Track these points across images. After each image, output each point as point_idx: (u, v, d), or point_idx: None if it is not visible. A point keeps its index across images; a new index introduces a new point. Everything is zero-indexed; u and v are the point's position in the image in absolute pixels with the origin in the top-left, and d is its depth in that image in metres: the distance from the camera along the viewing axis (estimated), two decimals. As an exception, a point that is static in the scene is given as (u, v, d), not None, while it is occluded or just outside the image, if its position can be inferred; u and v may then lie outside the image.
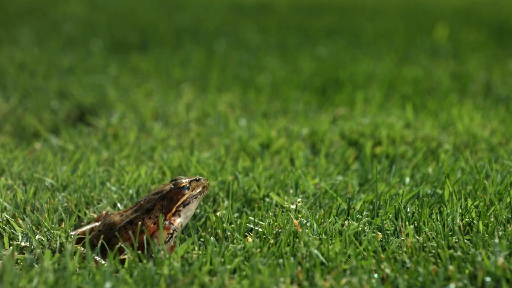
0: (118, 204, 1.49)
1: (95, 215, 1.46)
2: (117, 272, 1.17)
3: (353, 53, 3.49)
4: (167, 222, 1.29)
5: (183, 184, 1.31)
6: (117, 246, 1.23)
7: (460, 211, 1.37)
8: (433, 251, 1.20)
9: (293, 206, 1.41)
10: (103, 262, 1.21)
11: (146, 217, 1.29)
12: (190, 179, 1.33)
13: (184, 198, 1.31)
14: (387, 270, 1.14)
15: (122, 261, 1.24)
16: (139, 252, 1.25)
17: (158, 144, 1.95)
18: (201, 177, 1.35)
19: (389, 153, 1.91)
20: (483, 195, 1.47)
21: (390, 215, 1.36)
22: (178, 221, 1.30)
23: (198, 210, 1.48)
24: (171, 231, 1.28)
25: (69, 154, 1.85)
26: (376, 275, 1.14)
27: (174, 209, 1.30)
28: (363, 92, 2.63)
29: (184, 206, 1.31)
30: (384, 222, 1.31)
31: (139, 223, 1.27)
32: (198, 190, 1.33)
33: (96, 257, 1.22)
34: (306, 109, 2.43)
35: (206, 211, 1.45)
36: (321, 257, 1.18)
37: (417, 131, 2.08)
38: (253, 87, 2.74)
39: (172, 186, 1.31)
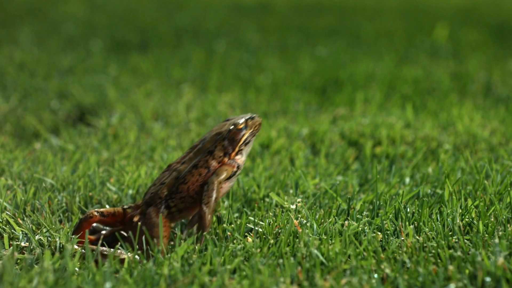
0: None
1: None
2: (117, 272, 1.17)
3: (353, 53, 3.49)
4: (231, 161, 1.33)
5: (242, 125, 1.35)
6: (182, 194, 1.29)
7: (460, 211, 1.37)
8: (433, 251, 1.20)
9: (293, 206, 1.41)
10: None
11: (210, 158, 1.32)
12: (245, 118, 1.37)
13: (245, 137, 1.35)
14: (387, 270, 1.14)
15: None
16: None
17: (158, 144, 1.95)
18: (254, 115, 1.38)
19: (389, 153, 1.91)
20: (483, 195, 1.47)
21: (390, 215, 1.36)
22: (242, 159, 1.35)
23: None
24: (236, 169, 1.33)
25: (69, 154, 1.85)
26: (376, 275, 1.14)
27: (237, 149, 1.34)
28: (363, 92, 2.63)
29: (245, 145, 1.36)
30: (384, 222, 1.31)
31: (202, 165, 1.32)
32: (255, 128, 1.37)
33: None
34: (306, 109, 2.43)
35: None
36: (321, 257, 1.18)
37: (417, 131, 2.08)
38: (253, 87, 2.74)
39: (232, 127, 1.34)
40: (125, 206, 1.35)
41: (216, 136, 1.34)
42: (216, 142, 1.33)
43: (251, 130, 1.36)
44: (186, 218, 1.35)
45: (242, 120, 1.35)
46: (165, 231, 1.26)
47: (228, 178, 1.32)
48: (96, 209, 1.33)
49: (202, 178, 1.31)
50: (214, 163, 1.32)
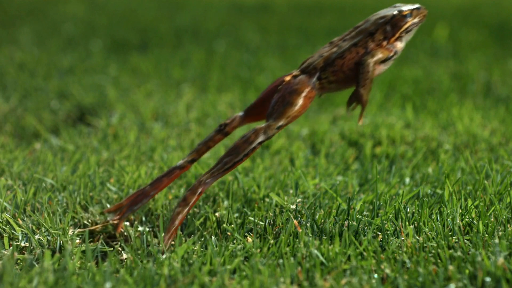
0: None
1: (93, 215, 1.46)
2: (117, 272, 1.17)
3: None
4: (390, 46, 1.34)
5: (406, 12, 1.35)
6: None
7: (460, 211, 1.37)
8: (433, 251, 1.20)
9: (293, 206, 1.41)
10: None
11: (370, 40, 1.33)
12: (412, 8, 1.37)
13: (407, 25, 1.35)
14: (387, 270, 1.14)
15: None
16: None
17: (158, 144, 1.95)
18: (420, 6, 1.38)
19: (389, 153, 1.91)
20: (483, 195, 1.47)
21: (390, 215, 1.36)
22: (400, 46, 1.35)
23: (197, 210, 1.48)
24: (392, 54, 1.34)
25: (69, 154, 1.85)
26: (376, 275, 1.14)
27: (397, 35, 1.34)
28: (363, 92, 2.63)
29: (406, 33, 1.35)
30: (384, 222, 1.31)
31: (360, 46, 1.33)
32: (418, 19, 1.37)
33: None
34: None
35: (206, 211, 1.45)
36: (321, 257, 1.18)
37: (417, 131, 2.08)
38: (253, 87, 2.74)
39: (396, 13, 1.35)
40: None
41: (380, 20, 1.35)
42: (379, 26, 1.34)
43: (415, 20, 1.36)
44: (332, 91, 1.37)
45: (408, 8, 1.36)
46: (305, 102, 1.29)
47: (383, 61, 1.34)
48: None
49: (358, 57, 1.33)
50: (372, 45, 1.33)
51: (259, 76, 2.93)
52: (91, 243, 1.34)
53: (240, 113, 1.39)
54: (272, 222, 1.34)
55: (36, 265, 1.18)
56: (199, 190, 1.27)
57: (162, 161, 1.76)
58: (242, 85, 2.77)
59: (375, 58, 1.32)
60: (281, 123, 1.29)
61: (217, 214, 1.41)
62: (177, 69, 3.05)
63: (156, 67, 3.11)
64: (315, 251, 1.19)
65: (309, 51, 3.56)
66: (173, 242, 1.31)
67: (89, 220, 1.44)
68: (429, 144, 1.97)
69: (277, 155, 1.89)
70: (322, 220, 1.36)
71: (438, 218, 1.35)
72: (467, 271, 1.14)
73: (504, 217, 1.33)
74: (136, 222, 1.42)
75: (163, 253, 1.24)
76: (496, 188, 1.50)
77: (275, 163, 1.82)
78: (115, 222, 1.39)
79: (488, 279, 1.11)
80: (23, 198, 1.44)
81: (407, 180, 1.64)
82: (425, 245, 1.22)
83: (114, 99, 2.51)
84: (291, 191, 1.54)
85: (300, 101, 1.30)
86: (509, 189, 1.42)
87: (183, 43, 3.79)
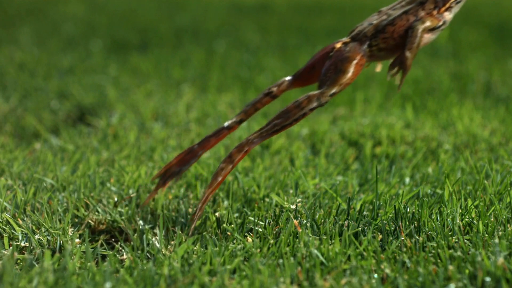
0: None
1: (93, 215, 1.46)
2: (117, 272, 1.17)
3: (353, 53, 3.49)
4: (439, 15, 1.35)
5: None
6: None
7: (460, 211, 1.37)
8: (433, 251, 1.20)
9: (293, 206, 1.41)
10: None
11: (420, 8, 1.34)
12: None
13: None
14: (387, 270, 1.14)
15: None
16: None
17: (158, 144, 1.95)
18: None
19: (389, 153, 1.91)
20: (483, 195, 1.47)
21: (390, 215, 1.36)
22: (449, 16, 1.36)
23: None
24: (441, 23, 1.35)
25: (69, 154, 1.85)
26: (376, 275, 1.14)
27: (448, 5, 1.36)
28: (363, 92, 2.63)
29: (456, 3, 1.37)
30: (384, 222, 1.31)
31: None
32: None
33: None
34: (306, 109, 2.42)
35: (206, 211, 1.45)
36: (321, 257, 1.18)
37: (417, 131, 2.08)
38: (253, 87, 2.74)
39: None
40: None
41: None
42: None
43: None
44: (380, 59, 1.39)
45: None
46: (356, 69, 1.30)
47: (431, 30, 1.35)
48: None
49: (408, 24, 1.34)
50: (422, 13, 1.34)
51: (259, 76, 2.93)
52: (91, 243, 1.35)
53: (288, 77, 1.40)
54: (272, 222, 1.34)
55: (36, 265, 1.18)
56: (246, 149, 1.30)
57: (162, 161, 1.76)
58: (242, 85, 2.77)
59: (425, 25, 1.34)
60: (334, 90, 1.30)
61: (217, 214, 1.41)
62: (177, 69, 3.05)
63: (156, 67, 3.12)
64: (315, 251, 1.19)
65: (309, 51, 3.56)
66: (173, 242, 1.31)
67: (93, 219, 1.44)
68: (429, 144, 1.97)
69: (277, 155, 1.89)
70: (322, 220, 1.37)
71: (438, 218, 1.35)
72: (467, 271, 1.14)
73: (504, 217, 1.33)
74: (136, 222, 1.42)
75: (200, 208, 1.28)
76: (496, 188, 1.50)
77: (275, 163, 1.82)
78: (160, 186, 1.41)
79: (488, 279, 1.11)
80: (23, 198, 1.44)
81: (407, 180, 1.64)
82: (425, 245, 1.22)
83: (114, 99, 2.51)
84: (291, 191, 1.54)
85: (352, 69, 1.31)
86: (509, 189, 1.41)
87: (183, 43, 3.79)
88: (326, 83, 1.30)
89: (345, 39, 1.37)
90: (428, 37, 1.36)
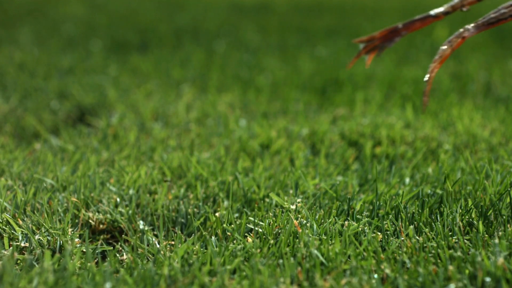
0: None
1: (91, 215, 1.46)
2: (117, 272, 1.17)
3: (353, 53, 3.49)
4: None
5: None
6: None
7: (460, 211, 1.37)
8: (433, 251, 1.20)
9: (293, 207, 1.41)
10: None
11: None
12: None
13: None
14: (387, 271, 1.14)
15: None
16: None
17: (158, 145, 1.95)
18: None
19: (389, 153, 1.91)
20: (483, 195, 1.47)
21: (390, 215, 1.36)
22: None
23: (197, 210, 1.48)
24: None
25: (69, 155, 1.85)
26: (376, 275, 1.14)
27: None
28: (363, 92, 2.63)
29: None
30: (384, 222, 1.31)
31: None
32: None
33: None
34: (306, 109, 2.43)
35: (206, 211, 1.45)
36: (321, 258, 1.18)
37: (417, 131, 2.08)
38: (253, 87, 2.74)
39: None
40: None
41: None
42: None
43: None
44: None
45: None
46: None
47: None
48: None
49: None
50: None
51: (259, 76, 2.93)
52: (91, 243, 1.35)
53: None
54: (272, 222, 1.34)
55: (36, 265, 1.18)
56: (464, 35, 1.35)
57: (162, 161, 1.76)
58: (242, 85, 2.77)
59: None
60: None
61: (217, 214, 1.41)
62: (177, 69, 3.05)
63: (156, 67, 3.12)
64: (315, 251, 1.19)
65: (309, 51, 3.56)
66: (173, 242, 1.31)
67: (93, 219, 1.44)
68: (429, 144, 1.97)
69: (277, 155, 1.89)
70: (322, 220, 1.37)
71: (438, 218, 1.35)
72: (467, 271, 1.14)
73: (504, 217, 1.33)
74: (136, 222, 1.42)
75: (429, 83, 1.31)
76: (496, 188, 1.50)
77: (275, 163, 1.82)
78: (363, 54, 1.42)
79: (488, 279, 1.11)
80: (23, 198, 1.44)
81: (407, 180, 1.64)
82: (425, 245, 1.22)
83: (114, 99, 2.51)
84: (291, 191, 1.54)
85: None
86: (509, 189, 1.42)
87: (183, 43, 3.79)
88: None
89: None
90: None
